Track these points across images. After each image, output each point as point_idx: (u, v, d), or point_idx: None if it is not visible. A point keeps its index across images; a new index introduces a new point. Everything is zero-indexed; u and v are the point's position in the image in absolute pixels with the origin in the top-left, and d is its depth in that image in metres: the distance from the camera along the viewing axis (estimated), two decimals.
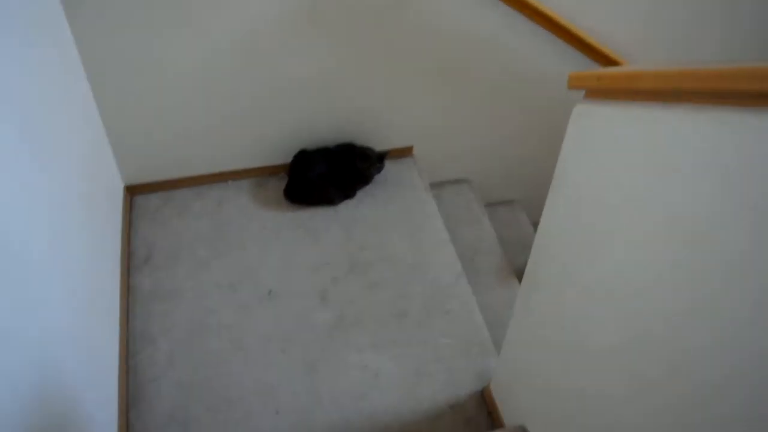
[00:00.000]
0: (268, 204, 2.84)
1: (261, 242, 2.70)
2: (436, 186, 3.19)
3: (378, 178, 2.94)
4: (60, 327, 1.73)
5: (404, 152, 3.09)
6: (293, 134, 2.84)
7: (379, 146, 2.97)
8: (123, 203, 2.73)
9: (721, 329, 0.98)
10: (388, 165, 2.95)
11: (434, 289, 2.60)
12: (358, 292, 2.56)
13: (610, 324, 1.36)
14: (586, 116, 1.38)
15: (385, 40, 2.55)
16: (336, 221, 2.80)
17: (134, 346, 2.33)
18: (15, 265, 1.45)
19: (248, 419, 2.17)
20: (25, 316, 1.48)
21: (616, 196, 1.27)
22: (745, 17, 2.85)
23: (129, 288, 2.49)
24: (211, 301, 2.48)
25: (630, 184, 1.21)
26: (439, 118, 2.99)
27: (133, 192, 2.82)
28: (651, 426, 1.25)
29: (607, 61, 2.81)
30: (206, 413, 2.17)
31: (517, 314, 1.97)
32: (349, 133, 2.90)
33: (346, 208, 2.86)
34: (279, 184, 2.89)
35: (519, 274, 3.01)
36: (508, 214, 3.48)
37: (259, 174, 2.95)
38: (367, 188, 2.93)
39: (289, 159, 2.87)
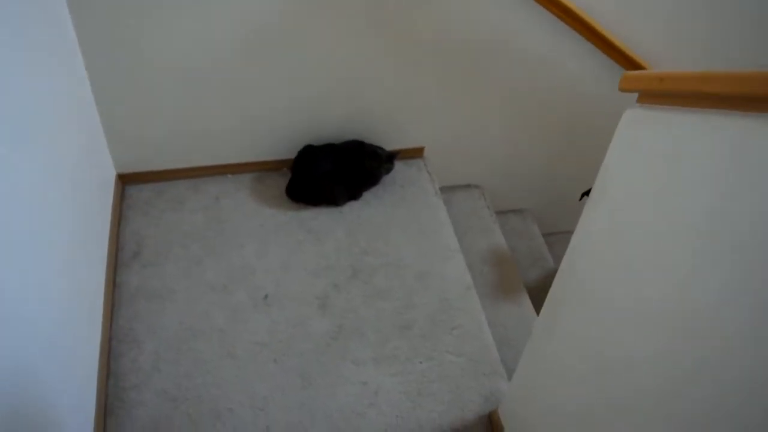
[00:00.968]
0: (268, 201, 2.67)
1: (259, 242, 2.52)
2: (446, 190, 3.03)
3: (386, 179, 2.77)
4: (35, 325, 1.56)
5: (414, 153, 2.93)
6: (299, 128, 2.67)
7: (388, 145, 2.80)
8: (114, 193, 2.56)
9: None
10: (398, 166, 2.78)
11: (441, 301, 2.43)
12: (360, 300, 2.40)
13: (656, 361, 1.19)
14: (639, 123, 1.21)
15: (403, 34, 2.39)
16: (340, 223, 2.64)
17: (117, 349, 2.15)
18: None
19: None
20: None
21: (675, 216, 1.10)
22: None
23: (115, 285, 2.32)
24: (203, 302, 2.31)
25: (693, 204, 1.04)
26: (453, 120, 2.82)
27: (125, 181, 2.65)
28: None
29: (633, 66, 2.65)
30: (191, 426, 2.00)
31: (536, 338, 1.80)
32: (357, 130, 2.73)
33: (351, 209, 2.69)
34: (281, 181, 2.72)
35: (530, 290, 2.86)
36: (519, 224, 3.32)
37: (261, 168, 2.78)
38: (374, 189, 2.76)
39: (293, 154, 2.70)
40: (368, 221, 2.65)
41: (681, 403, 1.08)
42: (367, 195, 2.74)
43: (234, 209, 2.62)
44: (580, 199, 2.64)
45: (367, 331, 2.31)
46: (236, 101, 2.47)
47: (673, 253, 1.10)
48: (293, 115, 2.61)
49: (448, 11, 2.33)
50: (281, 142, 2.70)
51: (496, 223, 3.02)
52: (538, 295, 2.85)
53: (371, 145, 2.70)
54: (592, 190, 1.40)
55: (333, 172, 2.63)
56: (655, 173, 1.18)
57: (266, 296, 2.36)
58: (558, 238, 3.53)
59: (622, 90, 1.26)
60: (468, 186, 3.15)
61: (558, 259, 3.26)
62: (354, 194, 2.71)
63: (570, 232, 3.43)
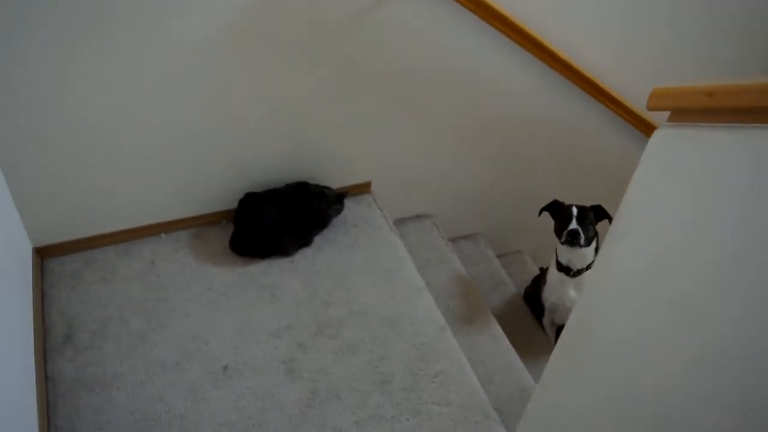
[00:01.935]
0: (212, 259, 2.41)
1: (208, 306, 2.26)
2: (397, 223, 2.84)
3: (336, 220, 2.56)
4: None
5: (362, 189, 2.73)
6: (236, 175, 2.43)
7: (334, 183, 2.60)
8: (33, 269, 2.24)
9: None
10: (346, 204, 2.57)
11: (417, 346, 2.24)
12: (330, 358, 2.16)
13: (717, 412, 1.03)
14: (677, 145, 1.06)
15: (339, 66, 2.23)
16: (294, 274, 2.40)
17: None
18: None
19: None
20: None
21: (729, 253, 0.95)
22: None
23: (47, 378, 2.00)
24: (155, 385, 2.02)
25: (751, 237, 0.89)
26: (397, 150, 2.67)
27: (44, 255, 2.32)
28: None
29: (580, 79, 2.57)
30: None
31: (548, 387, 1.62)
32: (300, 171, 2.52)
33: (303, 257, 2.46)
34: (223, 234, 2.47)
35: (495, 316, 2.71)
36: (473, 249, 3.17)
37: (198, 223, 2.51)
38: (325, 233, 2.55)
39: (233, 204, 2.46)
40: (324, 269, 2.43)
41: None
42: (319, 240, 2.52)
43: (174, 273, 2.34)
44: (539, 214, 2.53)
45: (344, 392, 2.08)
46: (163, 153, 2.23)
47: (732, 289, 0.95)
48: (228, 162, 2.38)
49: (381, 40, 2.19)
50: (218, 192, 2.46)
51: (453, 252, 2.85)
52: (503, 320, 2.71)
53: (317, 186, 2.49)
54: (612, 225, 1.24)
55: (279, 220, 2.40)
56: (704, 204, 1.03)
57: (226, 368, 2.09)
58: (511, 258, 3.41)
59: (652, 109, 1.11)
60: (418, 216, 2.98)
61: (514, 279, 3.14)
62: (304, 241, 2.49)
63: (520, 252, 3.30)
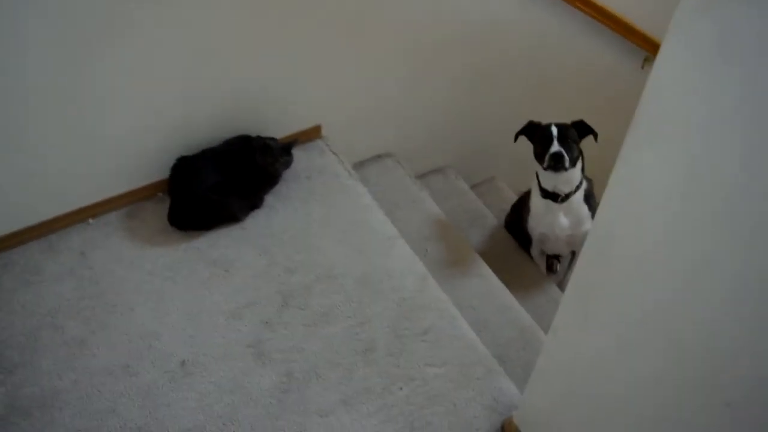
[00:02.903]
0: (150, 239, 2.09)
1: (153, 295, 1.95)
2: (356, 167, 2.54)
3: (287, 174, 2.25)
4: None
5: (311, 134, 2.41)
6: (165, 139, 2.10)
7: (278, 133, 2.27)
8: None
9: None
10: (296, 154, 2.25)
11: (399, 303, 1.97)
12: (302, 332, 1.89)
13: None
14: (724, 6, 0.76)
15: None
16: (247, 242, 2.09)
17: None
18: None
19: None
20: None
21: None
22: None
23: None
24: (104, 396, 1.73)
25: None
26: (346, 85, 2.35)
27: None
28: None
29: None
30: None
31: (563, 330, 1.37)
32: (238, 124, 2.19)
33: (255, 222, 2.15)
34: (160, 209, 2.15)
35: (480, 253, 2.45)
36: (444, 184, 2.88)
37: (130, 201, 2.17)
38: (276, 190, 2.23)
39: (165, 173, 2.13)
40: (281, 231, 2.13)
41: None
42: (270, 199, 2.21)
43: (109, 262, 2.02)
44: (515, 140, 2.24)
45: (323, 369, 1.81)
46: (71, 126, 1.87)
47: None
48: (153, 124, 2.05)
49: None
50: (147, 161, 2.12)
51: (424, 190, 2.57)
52: (490, 257, 2.46)
53: (259, 138, 2.16)
54: (632, 129, 0.95)
55: (221, 182, 2.09)
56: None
57: (183, 363, 1.80)
58: (485, 187, 3.14)
59: None
60: (379, 156, 2.67)
61: (493, 209, 2.87)
62: (254, 202, 2.18)
63: (494, 178, 3.00)
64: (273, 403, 1.74)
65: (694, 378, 1.03)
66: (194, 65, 1.95)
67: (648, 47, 2.87)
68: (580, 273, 1.21)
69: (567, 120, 2.16)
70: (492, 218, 2.80)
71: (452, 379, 1.81)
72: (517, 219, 2.62)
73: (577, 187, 2.20)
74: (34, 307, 1.91)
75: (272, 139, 2.18)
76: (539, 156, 2.13)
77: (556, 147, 2.07)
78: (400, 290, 2.00)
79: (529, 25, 2.51)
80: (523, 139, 2.24)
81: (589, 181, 2.28)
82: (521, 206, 2.54)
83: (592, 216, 2.30)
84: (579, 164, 2.17)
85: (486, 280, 2.30)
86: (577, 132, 2.13)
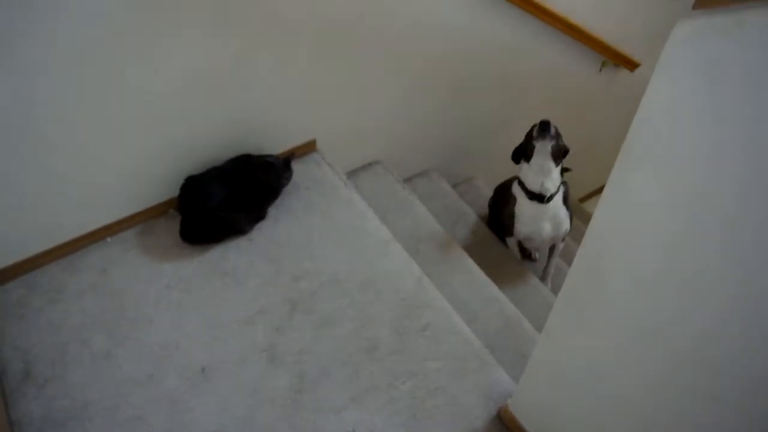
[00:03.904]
0: (165, 254, 2.07)
1: (170, 307, 1.94)
2: (349, 175, 2.55)
3: (287, 187, 2.24)
4: None
5: (307, 148, 2.40)
6: (173, 161, 2.08)
7: (277, 149, 2.27)
8: None
9: None
10: (293, 167, 2.24)
11: (398, 303, 1.98)
12: (311, 336, 1.89)
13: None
14: (711, 39, 0.77)
15: (262, 20, 1.86)
16: (255, 253, 2.09)
17: None
18: None
19: None
20: None
21: None
22: None
23: (12, 423, 1.68)
24: (131, 405, 1.72)
25: None
26: (337, 100, 2.33)
27: None
28: None
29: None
30: None
31: (555, 332, 1.38)
32: (239, 144, 2.17)
33: (261, 233, 2.15)
34: (172, 225, 2.13)
35: (464, 246, 2.47)
36: (428, 186, 2.89)
37: (144, 219, 2.15)
38: (278, 202, 2.22)
39: (174, 192, 2.11)
40: (285, 240, 2.13)
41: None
42: (273, 210, 2.20)
43: (128, 277, 2.01)
44: (518, 162, 2.26)
45: (333, 369, 1.82)
46: (86, 153, 1.86)
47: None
48: (162, 148, 2.02)
49: None
50: (157, 181, 2.10)
51: (413, 194, 2.57)
52: (474, 251, 2.47)
53: (259, 157, 2.15)
54: (626, 146, 0.96)
55: (228, 198, 2.08)
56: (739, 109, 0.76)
57: (203, 370, 1.80)
58: (465, 186, 3.15)
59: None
60: (369, 164, 2.66)
61: (473, 206, 2.89)
62: (258, 215, 2.17)
63: (472, 178, 3.02)
64: (288, 403, 1.74)
65: (682, 377, 1.05)
66: (195, 93, 1.93)
67: (605, 52, 2.90)
68: (571, 283, 1.23)
69: (537, 120, 2.20)
70: (473, 215, 2.81)
71: (450, 372, 1.83)
72: (496, 210, 2.64)
73: (558, 188, 2.22)
74: (60, 323, 1.89)
75: (271, 155, 2.17)
76: (526, 146, 2.15)
77: (543, 123, 2.09)
78: (399, 291, 2.01)
79: (498, 37, 2.52)
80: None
81: (565, 183, 2.30)
82: (500, 198, 2.56)
83: (570, 216, 2.33)
84: (560, 166, 2.19)
85: (473, 275, 2.32)
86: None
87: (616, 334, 1.19)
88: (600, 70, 3.07)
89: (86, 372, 1.79)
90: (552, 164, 2.15)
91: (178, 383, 1.77)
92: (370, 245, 2.13)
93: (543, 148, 2.12)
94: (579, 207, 3.86)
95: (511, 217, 2.38)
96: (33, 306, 1.93)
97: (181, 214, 2.11)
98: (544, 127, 2.09)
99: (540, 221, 2.27)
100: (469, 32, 2.41)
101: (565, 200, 2.29)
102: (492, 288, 2.29)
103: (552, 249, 2.58)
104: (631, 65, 3.04)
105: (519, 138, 2.27)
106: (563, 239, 2.49)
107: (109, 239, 2.10)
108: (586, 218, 3.79)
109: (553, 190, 2.21)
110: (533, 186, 2.21)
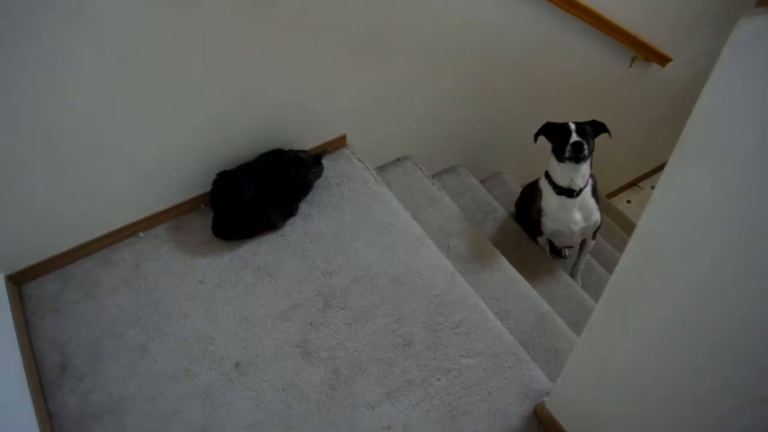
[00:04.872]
0: (198, 249, 2.08)
1: (204, 301, 1.94)
2: (379, 171, 2.52)
3: (318, 182, 2.23)
4: None
5: (337, 144, 2.39)
6: (205, 156, 2.07)
7: (308, 145, 2.26)
8: (9, 299, 1.89)
9: None
10: (324, 162, 2.23)
11: (431, 300, 1.96)
12: (344, 331, 1.88)
13: None
14: None
15: (292, 17, 1.85)
16: (287, 249, 2.08)
17: None
18: None
19: None
20: None
21: None
22: None
23: (50, 415, 1.69)
24: (167, 399, 1.73)
25: None
26: (367, 95, 2.31)
27: (18, 281, 1.96)
28: None
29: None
30: None
31: (598, 331, 1.36)
32: (271, 139, 2.16)
33: (293, 228, 2.14)
34: (204, 221, 2.13)
35: (494, 242, 2.44)
36: (456, 182, 2.87)
37: (175, 214, 2.16)
38: (310, 198, 2.22)
39: (206, 187, 2.11)
40: (317, 236, 2.12)
41: None
42: (305, 206, 2.20)
43: (161, 272, 2.01)
44: (535, 140, 2.23)
45: (367, 364, 1.81)
46: (119, 148, 1.86)
47: None
48: (194, 144, 2.02)
49: None
50: (189, 176, 2.10)
51: (441, 190, 2.55)
52: (504, 247, 2.45)
53: (291, 151, 2.14)
54: (681, 143, 0.93)
55: (259, 194, 2.07)
56: None
57: (238, 365, 1.80)
58: (494, 182, 3.12)
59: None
60: (398, 160, 2.65)
61: (501, 202, 2.86)
62: (290, 210, 2.16)
63: (500, 173, 3.00)
64: (323, 399, 1.73)
65: (731, 377, 1.02)
66: (230, 89, 1.92)
67: (635, 47, 2.86)
68: (619, 278, 1.20)
69: (564, 117, 2.16)
70: (502, 211, 2.78)
71: (485, 369, 1.81)
72: (524, 209, 2.61)
73: (586, 182, 2.20)
74: (96, 318, 1.90)
75: (303, 151, 2.17)
76: (558, 150, 2.12)
77: (575, 137, 2.06)
78: (432, 287, 1.99)
79: (527, 32, 2.48)
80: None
81: (592, 176, 2.27)
82: (527, 197, 2.54)
83: (599, 207, 2.31)
84: (589, 160, 2.17)
85: (504, 272, 2.29)
86: (591, 129, 2.13)
87: (663, 333, 1.17)
88: (630, 65, 3.03)
89: (123, 366, 1.79)
90: (582, 169, 2.14)
91: (213, 378, 1.77)
92: (402, 241, 2.11)
93: (572, 168, 2.12)
94: (606, 203, 3.82)
95: (539, 212, 2.35)
96: (68, 299, 1.94)
97: (213, 210, 2.11)
98: (577, 150, 2.06)
99: (569, 213, 2.24)
100: (500, 29, 2.38)
101: (594, 192, 2.26)
102: (523, 284, 2.26)
103: (582, 245, 2.54)
104: (663, 60, 3.00)
105: None
106: (594, 236, 2.46)
107: (141, 234, 2.11)
108: (614, 213, 3.77)
109: (582, 184, 2.18)
110: (562, 182, 2.19)
